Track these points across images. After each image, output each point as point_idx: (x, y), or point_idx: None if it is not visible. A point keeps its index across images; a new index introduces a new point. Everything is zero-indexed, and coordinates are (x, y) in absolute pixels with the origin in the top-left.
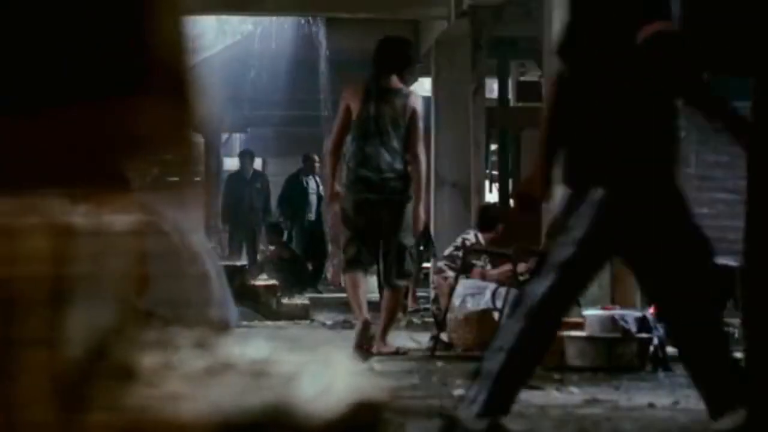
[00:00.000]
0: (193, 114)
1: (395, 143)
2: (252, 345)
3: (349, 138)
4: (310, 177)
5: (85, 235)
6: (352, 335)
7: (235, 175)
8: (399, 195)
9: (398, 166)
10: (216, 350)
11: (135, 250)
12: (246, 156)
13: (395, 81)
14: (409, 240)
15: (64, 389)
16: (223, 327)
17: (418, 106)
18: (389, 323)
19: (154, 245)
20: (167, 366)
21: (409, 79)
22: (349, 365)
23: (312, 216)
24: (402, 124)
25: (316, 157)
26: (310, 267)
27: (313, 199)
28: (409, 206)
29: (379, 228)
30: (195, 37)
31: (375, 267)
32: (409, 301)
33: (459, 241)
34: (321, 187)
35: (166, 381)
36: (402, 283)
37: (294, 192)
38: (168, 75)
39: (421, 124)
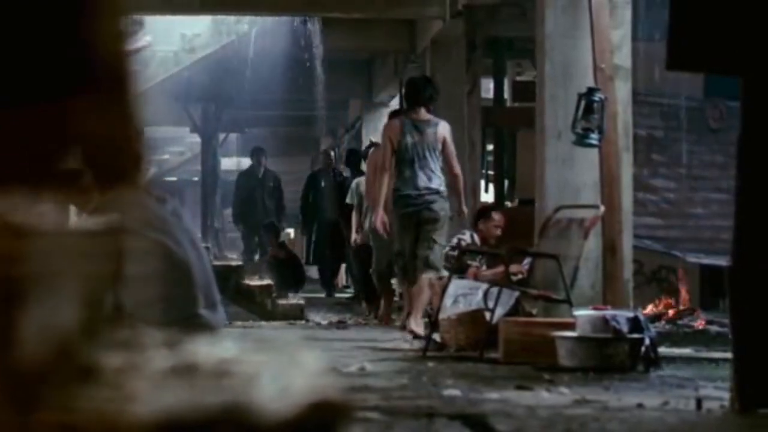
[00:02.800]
0: (136, 113)
1: (431, 165)
2: (219, 345)
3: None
4: (329, 173)
5: (39, 235)
6: (346, 335)
7: (246, 174)
8: (434, 206)
9: (433, 185)
10: (182, 350)
11: (95, 250)
12: (258, 154)
13: (424, 113)
14: (441, 240)
15: (18, 389)
16: (209, 325)
17: (447, 132)
18: (421, 306)
19: (109, 245)
20: (130, 366)
21: (433, 107)
22: (312, 365)
23: (330, 214)
24: (435, 149)
25: (332, 153)
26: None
27: (329, 195)
28: (444, 217)
29: (418, 234)
30: (136, 39)
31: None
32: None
33: (454, 240)
34: (337, 180)
35: (127, 381)
36: (430, 272)
37: (312, 190)
38: (111, 76)
39: (452, 148)
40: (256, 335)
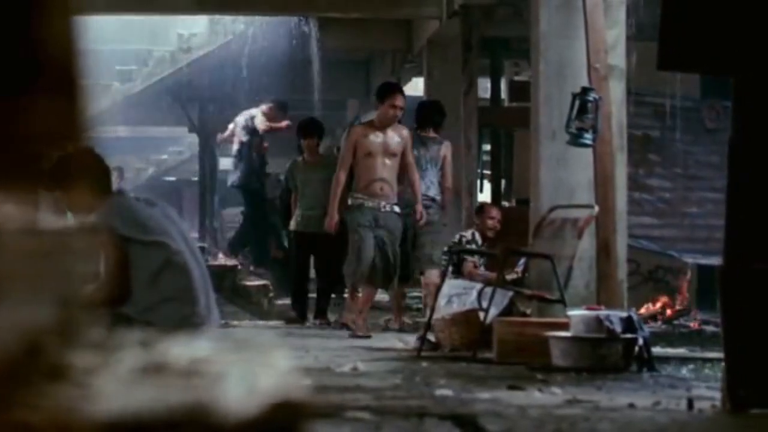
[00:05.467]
0: (84, 113)
1: (431, 177)
2: (192, 345)
3: None
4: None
5: (7, 233)
6: (342, 335)
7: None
8: (430, 211)
9: (431, 193)
10: (154, 350)
11: (69, 248)
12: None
13: (432, 132)
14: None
15: None
16: (205, 325)
17: (449, 152)
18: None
19: (85, 244)
20: (99, 366)
21: (441, 129)
22: (281, 366)
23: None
24: (437, 164)
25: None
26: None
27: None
28: (438, 222)
29: (416, 235)
30: (87, 37)
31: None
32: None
33: (457, 237)
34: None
35: (94, 381)
36: (434, 268)
37: None
38: (60, 74)
39: (450, 165)
40: (235, 335)
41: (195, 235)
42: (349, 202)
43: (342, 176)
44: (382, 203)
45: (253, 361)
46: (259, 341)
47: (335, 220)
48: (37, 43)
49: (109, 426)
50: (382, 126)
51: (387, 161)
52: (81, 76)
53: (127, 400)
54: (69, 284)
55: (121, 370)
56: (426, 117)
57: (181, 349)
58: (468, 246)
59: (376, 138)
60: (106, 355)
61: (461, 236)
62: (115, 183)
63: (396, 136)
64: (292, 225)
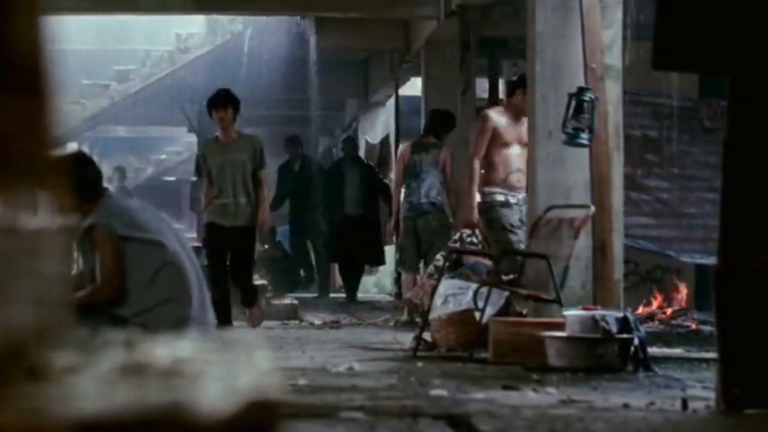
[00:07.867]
0: (52, 113)
1: (431, 180)
2: (173, 345)
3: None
4: (353, 164)
5: None
6: (339, 335)
7: (284, 167)
8: (432, 214)
9: (431, 196)
10: (134, 350)
11: (51, 248)
12: (292, 143)
13: (431, 138)
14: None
15: None
16: (201, 325)
17: (449, 156)
18: None
19: (67, 244)
20: (77, 366)
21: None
22: (262, 366)
23: (354, 209)
24: (437, 167)
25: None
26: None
27: (355, 189)
28: (438, 224)
29: (419, 235)
30: (54, 36)
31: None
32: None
33: (457, 235)
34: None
35: (73, 380)
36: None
37: (332, 182)
38: (26, 73)
39: (451, 168)
40: (223, 336)
41: (193, 235)
42: (483, 199)
43: (477, 165)
44: (520, 197)
45: (234, 361)
46: (243, 341)
47: (476, 217)
48: (3, 43)
49: (85, 426)
50: (517, 114)
51: (520, 150)
52: (49, 76)
53: (104, 400)
54: (50, 284)
55: (99, 370)
56: (434, 125)
57: (162, 349)
58: (468, 240)
59: (510, 125)
60: (86, 355)
61: (461, 233)
62: (117, 183)
63: (526, 124)
64: (206, 216)
